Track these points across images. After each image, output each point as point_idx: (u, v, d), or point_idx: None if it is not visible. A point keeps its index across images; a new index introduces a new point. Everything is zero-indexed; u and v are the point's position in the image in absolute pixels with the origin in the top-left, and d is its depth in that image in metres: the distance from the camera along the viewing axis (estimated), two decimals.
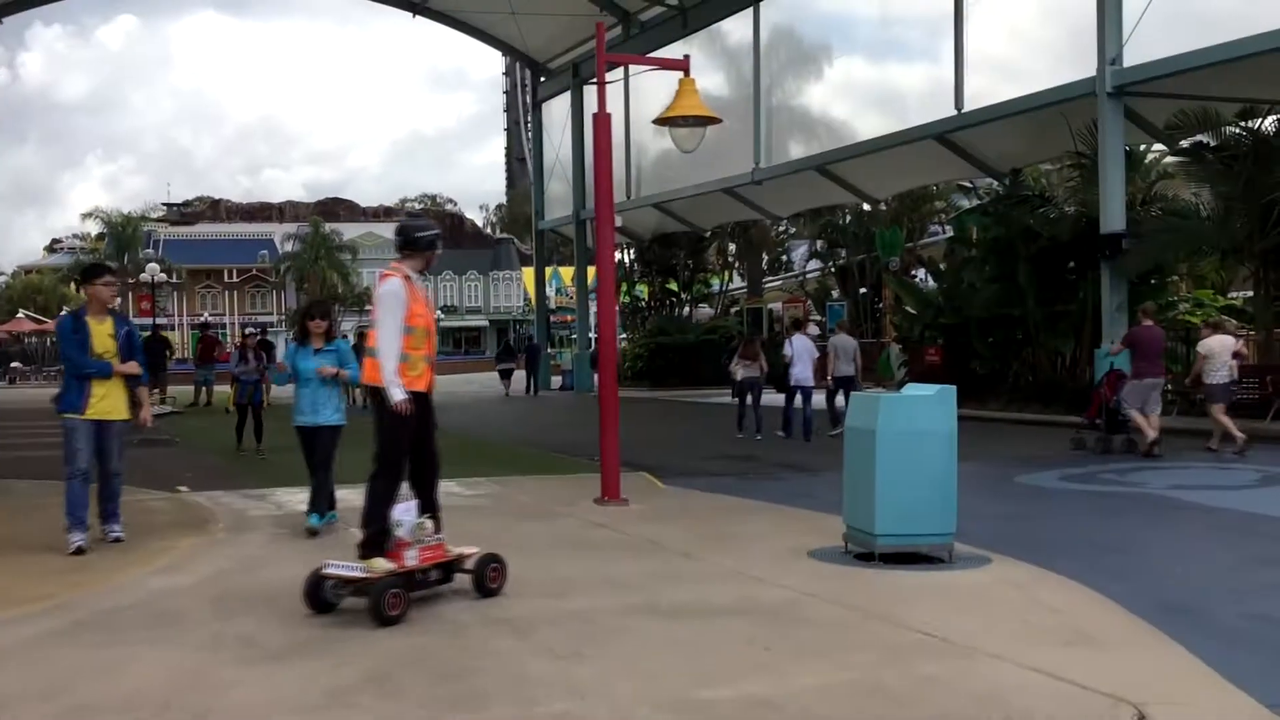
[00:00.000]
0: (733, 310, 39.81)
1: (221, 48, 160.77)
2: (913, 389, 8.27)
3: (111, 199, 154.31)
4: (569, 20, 34.49)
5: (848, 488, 8.13)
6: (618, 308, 38.98)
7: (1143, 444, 13.70)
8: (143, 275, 39.50)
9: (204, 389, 28.76)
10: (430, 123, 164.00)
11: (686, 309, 37.90)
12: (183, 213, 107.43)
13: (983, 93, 21.29)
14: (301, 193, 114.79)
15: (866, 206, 36.86)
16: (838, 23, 25.86)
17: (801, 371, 16.84)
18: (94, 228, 53.01)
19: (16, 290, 67.49)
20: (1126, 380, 14.15)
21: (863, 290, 37.87)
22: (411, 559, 6.11)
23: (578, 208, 35.46)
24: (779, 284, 44.05)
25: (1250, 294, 23.74)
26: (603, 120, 10.17)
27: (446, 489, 10.94)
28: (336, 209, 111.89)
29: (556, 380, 36.95)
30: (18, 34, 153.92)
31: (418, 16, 35.89)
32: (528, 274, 74.17)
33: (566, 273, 57.46)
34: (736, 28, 28.24)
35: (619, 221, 36.28)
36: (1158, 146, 23.76)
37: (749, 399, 17.18)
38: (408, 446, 6.40)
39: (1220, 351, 13.98)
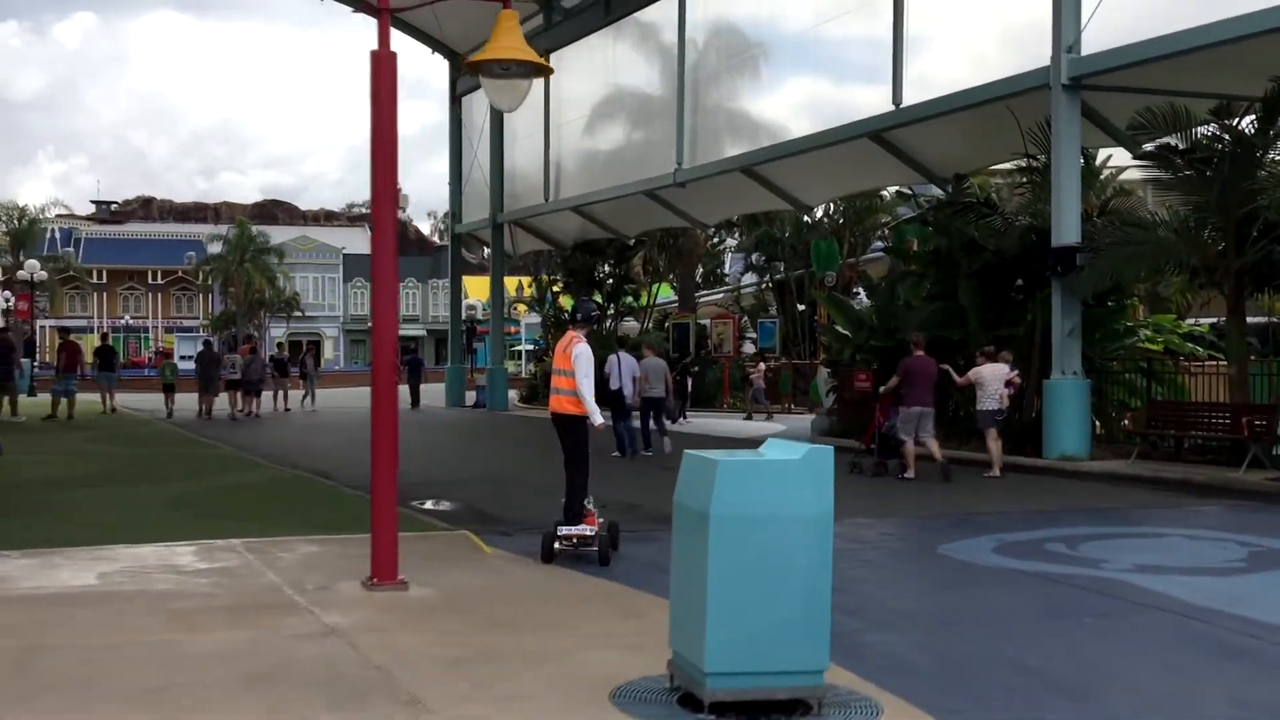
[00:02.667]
0: (665, 325, 37.23)
1: (180, 48, 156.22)
2: (774, 448, 5.62)
3: (62, 197, 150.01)
4: (489, 9, 31.76)
5: (674, 592, 5.52)
6: (539, 319, 36.29)
7: (906, 471, 14.52)
8: (20, 273, 36.11)
9: (64, 400, 25.68)
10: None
11: (610, 323, 35.21)
12: (113, 211, 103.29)
13: (924, 88, 18.87)
14: (257, 196, 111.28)
15: (809, 219, 34.56)
16: (769, 13, 23.33)
17: (624, 390, 17.32)
18: None
19: None
20: (899, 408, 14.70)
21: (801, 307, 35.45)
22: (594, 525, 8.97)
23: (495, 210, 32.75)
24: (717, 298, 41.54)
25: (1214, 321, 21.51)
26: (384, 57, 7.50)
27: (172, 561, 8.18)
28: (275, 211, 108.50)
29: (471, 396, 34.23)
30: None
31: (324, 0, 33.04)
32: (469, 283, 71.45)
33: (509, 283, 54.62)
34: (662, 16, 25.67)
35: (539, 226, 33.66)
36: (1115, 161, 21.56)
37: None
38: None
39: (991, 380, 14.60)
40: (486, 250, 38.32)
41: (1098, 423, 17.47)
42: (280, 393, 30.66)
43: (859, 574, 8.48)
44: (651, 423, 18.10)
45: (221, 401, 26.47)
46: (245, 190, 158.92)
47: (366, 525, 9.89)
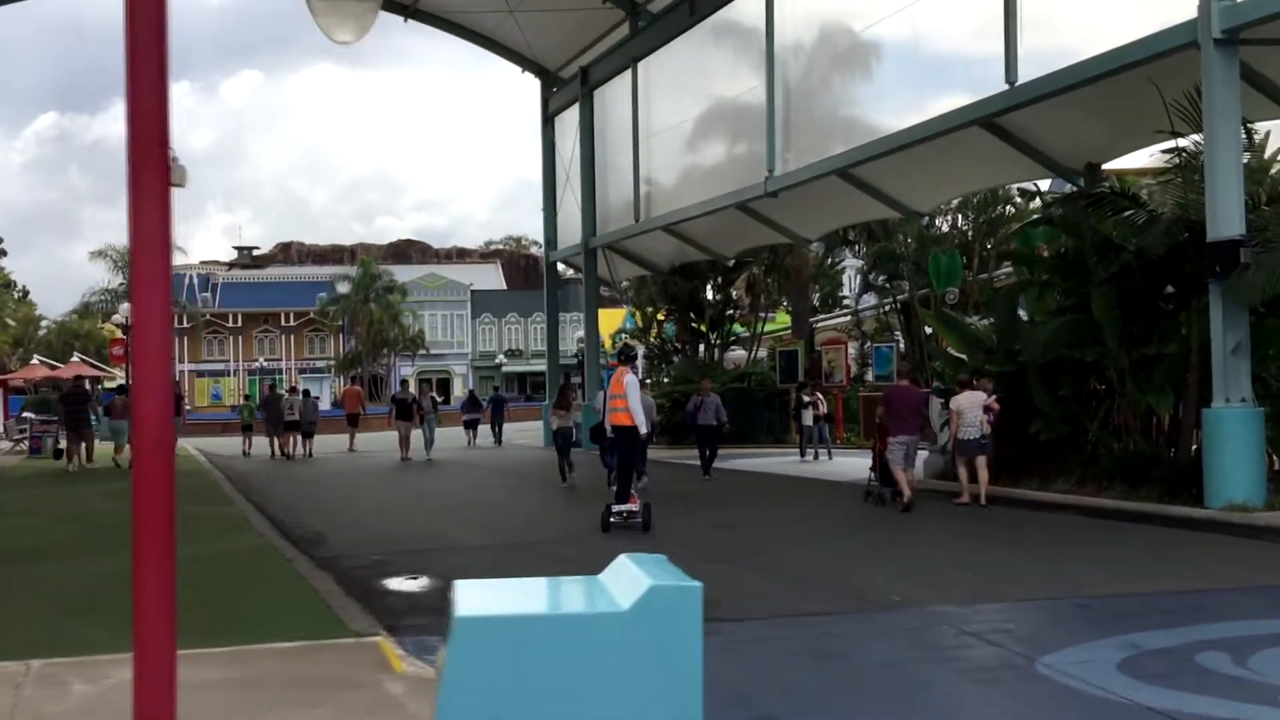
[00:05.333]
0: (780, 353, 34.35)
1: (337, 99, 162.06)
2: (620, 574, 2.96)
3: (228, 246, 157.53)
4: (576, 19, 29.83)
5: None
6: (642, 350, 33.74)
7: (902, 499, 14.18)
8: (115, 317, 35.50)
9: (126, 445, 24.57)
10: (537, 170, 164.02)
11: (715, 352, 32.55)
12: (254, 256, 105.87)
13: (1043, 61, 15.78)
14: (412, 238, 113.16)
15: (930, 230, 31.30)
16: None
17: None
18: (102, 267, 49.85)
19: (54, 335, 65.13)
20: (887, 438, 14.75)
21: (928, 330, 32.08)
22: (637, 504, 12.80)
23: (587, 235, 30.55)
24: (836, 323, 38.38)
25: None
26: None
27: None
28: (409, 251, 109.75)
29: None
30: None
31: (410, 20, 31.64)
32: (603, 316, 69.64)
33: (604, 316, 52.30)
34: (750, 10, 23.05)
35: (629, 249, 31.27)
36: None
37: (562, 445, 18.64)
38: None
39: (969, 408, 14.45)
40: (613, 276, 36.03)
41: (1277, 460, 14.08)
42: (402, 438, 26.20)
43: (909, 710, 5.70)
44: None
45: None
46: (400, 232, 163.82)
47: (277, 629, 7.59)
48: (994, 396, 14.66)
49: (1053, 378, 15.60)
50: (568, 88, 31.84)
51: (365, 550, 11.79)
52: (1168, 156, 15.39)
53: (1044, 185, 22.68)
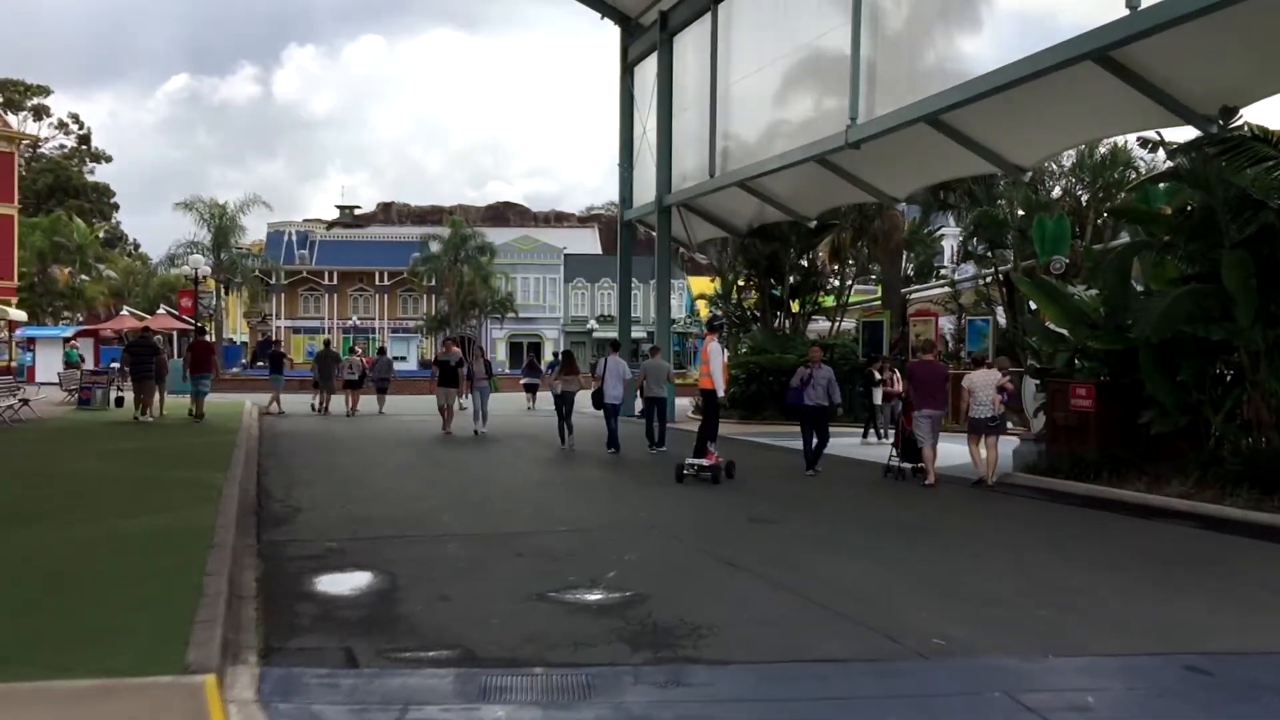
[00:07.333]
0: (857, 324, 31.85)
1: (455, 64, 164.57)
2: None
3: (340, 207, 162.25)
4: None
5: None
6: (721, 315, 31.58)
7: (926, 478, 14.24)
8: (185, 268, 34.56)
9: (195, 400, 23.44)
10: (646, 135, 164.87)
11: (797, 322, 30.21)
12: (355, 215, 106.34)
13: None
14: (522, 204, 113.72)
15: (1035, 193, 28.53)
16: None
17: (611, 390, 18.34)
18: (190, 220, 49.49)
19: (143, 286, 65.42)
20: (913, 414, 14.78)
21: (1032, 305, 29.30)
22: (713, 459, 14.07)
23: (661, 192, 28.45)
24: (932, 294, 35.66)
25: None
26: None
27: None
28: (507, 213, 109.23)
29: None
30: (274, 54, 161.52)
31: None
32: (692, 283, 67.92)
33: (697, 284, 50.37)
34: None
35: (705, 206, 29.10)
36: None
37: (565, 411, 19.38)
38: None
39: (982, 387, 14.33)
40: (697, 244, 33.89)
41: None
42: (443, 409, 22.47)
43: None
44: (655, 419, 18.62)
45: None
46: (509, 198, 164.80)
47: (102, 651, 5.82)
48: (1008, 377, 14.63)
49: (1170, 359, 13.12)
50: (646, 35, 29.71)
51: (328, 534, 10.06)
52: None
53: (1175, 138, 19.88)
